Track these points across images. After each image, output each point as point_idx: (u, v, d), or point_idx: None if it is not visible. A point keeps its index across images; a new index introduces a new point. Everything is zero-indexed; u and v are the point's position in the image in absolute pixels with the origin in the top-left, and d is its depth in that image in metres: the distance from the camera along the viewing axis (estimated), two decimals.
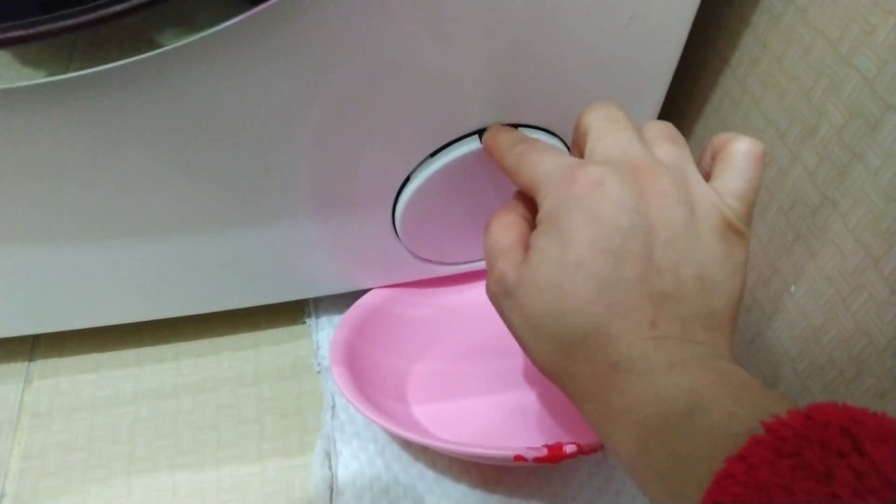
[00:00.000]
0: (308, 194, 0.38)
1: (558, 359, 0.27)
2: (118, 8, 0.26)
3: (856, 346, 0.32)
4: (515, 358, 0.45)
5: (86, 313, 0.45)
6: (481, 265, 0.47)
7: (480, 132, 0.38)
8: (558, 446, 0.33)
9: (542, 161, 0.29)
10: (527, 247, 0.29)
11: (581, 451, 0.33)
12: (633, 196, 0.26)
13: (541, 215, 0.28)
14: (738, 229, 0.27)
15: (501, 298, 0.29)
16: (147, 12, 0.27)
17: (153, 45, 0.29)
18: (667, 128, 0.30)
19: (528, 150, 0.30)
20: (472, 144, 0.37)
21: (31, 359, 0.48)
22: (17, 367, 0.47)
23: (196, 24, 0.29)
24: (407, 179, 0.39)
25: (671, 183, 0.26)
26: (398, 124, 0.36)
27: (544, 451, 0.33)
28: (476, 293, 0.49)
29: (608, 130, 0.28)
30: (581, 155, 0.30)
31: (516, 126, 0.38)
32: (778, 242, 0.37)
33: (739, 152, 0.28)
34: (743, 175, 0.28)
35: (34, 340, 0.49)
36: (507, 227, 0.30)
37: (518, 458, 0.33)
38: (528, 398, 0.43)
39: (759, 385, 0.23)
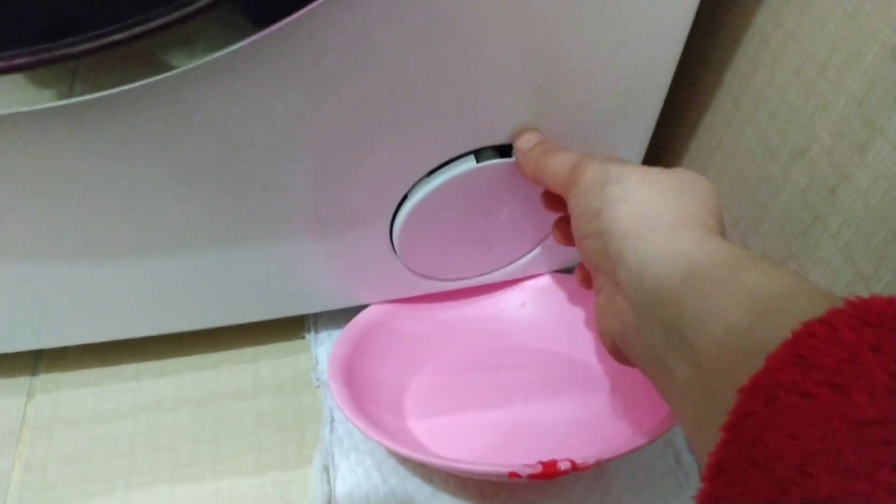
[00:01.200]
0: (307, 212, 0.39)
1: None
2: (117, 37, 0.26)
3: None
4: (513, 373, 0.46)
5: (88, 329, 0.45)
6: (478, 281, 0.47)
7: (477, 152, 0.38)
8: (552, 463, 0.33)
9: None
10: None
11: (575, 468, 0.33)
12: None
13: (595, 204, 0.31)
14: None
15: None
16: (147, 40, 0.28)
17: (155, 70, 0.29)
18: None
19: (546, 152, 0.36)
20: (469, 164, 0.38)
21: (33, 373, 0.48)
22: (20, 381, 0.48)
23: (196, 50, 0.29)
24: (405, 197, 0.40)
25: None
26: (396, 144, 0.36)
27: (539, 468, 0.33)
28: (474, 308, 0.49)
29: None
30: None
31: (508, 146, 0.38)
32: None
33: None
34: None
35: (37, 355, 0.49)
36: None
37: (512, 474, 0.33)
38: (524, 413, 0.43)
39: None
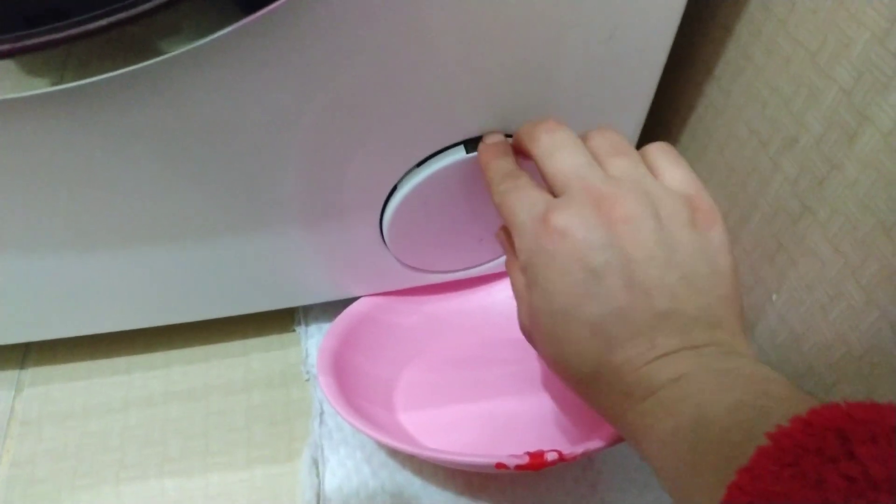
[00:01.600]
0: (296, 203, 0.39)
1: (582, 390, 0.29)
2: (103, 22, 0.26)
3: (834, 353, 0.33)
4: (503, 366, 0.46)
5: (77, 321, 0.45)
6: (469, 273, 0.47)
7: (466, 142, 0.38)
8: (539, 454, 0.33)
9: (519, 209, 0.29)
10: None
11: (562, 459, 0.33)
12: (599, 234, 0.27)
13: (521, 262, 0.29)
14: (704, 211, 0.28)
15: (528, 338, 0.33)
16: (134, 25, 0.28)
17: (142, 56, 0.29)
18: (611, 137, 0.31)
19: (510, 191, 0.31)
20: (458, 155, 0.37)
21: (22, 366, 0.48)
22: (9, 375, 0.47)
23: (184, 36, 0.29)
24: (394, 189, 0.40)
25: (633, 202, 0.27)
26: (385, 134, 0.36)
27: (526, 459, 0.33)
28: (464, 301, 0.49)
29: (560, 163, 0.29)
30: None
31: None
32: (760, 251, 0.37)
33: (653, 149, 0.30)
34: (675, 164, 0.29)
35: (26, 348, 0.49)
36: (516, 274, 0.32)
37: (500, 465, 0.33)
38: (514, 406, 0.43)
39: (761, 379, 0.24)
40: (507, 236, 0.35)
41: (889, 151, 0.28)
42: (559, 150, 0.30)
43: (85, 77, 0.29)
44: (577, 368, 0.27)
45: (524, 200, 0.29)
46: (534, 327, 0.29)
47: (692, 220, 0.27)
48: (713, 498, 0.21)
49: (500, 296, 0.49)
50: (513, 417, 0.43)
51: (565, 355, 0.28)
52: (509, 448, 0.35)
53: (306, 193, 0.38)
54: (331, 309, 0.48)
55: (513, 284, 0.32)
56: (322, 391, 0.39)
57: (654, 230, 0.27)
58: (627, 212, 0.27)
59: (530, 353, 0.46)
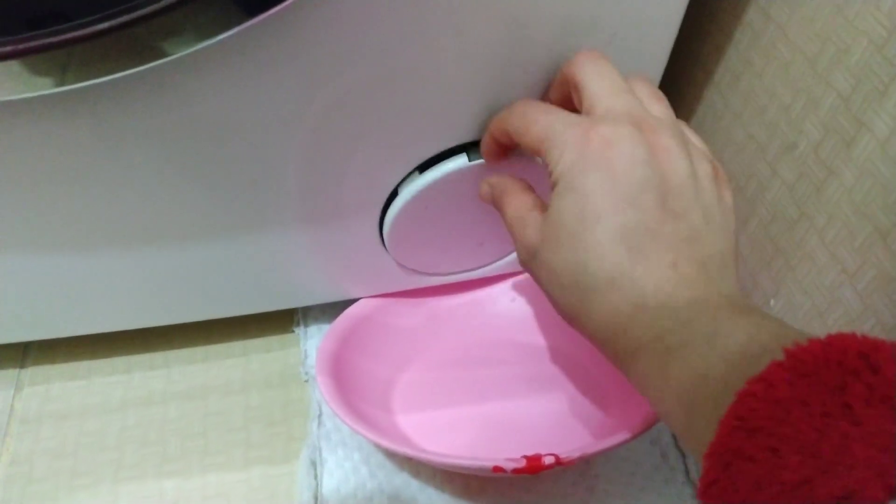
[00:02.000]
0: (296, 205, 0.39)
1: (583, 307, 0.28)
2: (105, 25, 0.26)
3: None
4: (501, 367, 0.46)
5: (77, 321, 0.45)
6: (468, 276, 0.47)
7: (468, 148, 0.38)
8: (537, 458, 0.33)
9: (552, 121, 0.30)
10: (543, 209, 0.31)
11: (559, 463, 0.33)
12: (643, 151, 0.28)
13: (556, 175, 0.29)
14: (722, 176, 0.30)
15: (530, 262, 0.31)
16: (136, 28, 0.28)
17: (145, 58, 0.29)
18: (651, 86, 0.32)
19: (535, 111, 0.32)
20: (459, 162, 0.38)
21: (21, 365, 0.48)
22: (8, 374, 0.48)
23: (186, 38, 0.29)
24: (394, 193, 0.40)
25: (672, 137, 0.28)
26: (386, 136, 0.36)
27: (523, 463, 0.33)
28: (464, 303, 0.49)
29: (607, 89, 0.30)
30: (566, 101, 0.32)
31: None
32: (758, 256, 0.37)
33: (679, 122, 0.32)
34: (696, 136, 0.31)
35: (25, 347, 0.49)
36: (521, 196, 0.33)
37: (497, 468, 0.33)
38: (512, 408, 0.43)
39: (776, 318, 0.25)
40: (497, 158, 0.36)
41: (886, 158, 0.28)
42: (605, 77, 0.30)
43: (87, 79, 0.29)
44: (594, 275, 0.27)
45: (562, 117, 0.30)
46: (550, 235, 0.29)
47: (714, 177, 0.29)
48: (718, 406, 0.21)
49: (500, 298, 0.49)
50: (511, 420, 0.43)
51: (584, 261, 0.27)
52: (507, 451, 0.35)
53: (307, 195, 0.39)
54: (330, 310, 0.48)
55: (513, 210, 0.33)
56: (320, 392, 0.39)
57: (687, 166, 0.28)
58: (667, 142, 0.28)
59: (530, 354, 0.46)
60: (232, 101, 0.32)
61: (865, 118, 0.29)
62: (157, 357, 0.48)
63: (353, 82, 0.33)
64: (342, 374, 0.41)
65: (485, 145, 0.36)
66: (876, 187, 0.29)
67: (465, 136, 0.38)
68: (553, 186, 0.30)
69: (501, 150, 0.36)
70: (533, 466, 0.33)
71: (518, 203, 0.33)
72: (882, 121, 0.28)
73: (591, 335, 0.29)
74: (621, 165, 0.27)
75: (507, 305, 0.49)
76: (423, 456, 0.35)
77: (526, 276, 0.49)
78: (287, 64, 0.31)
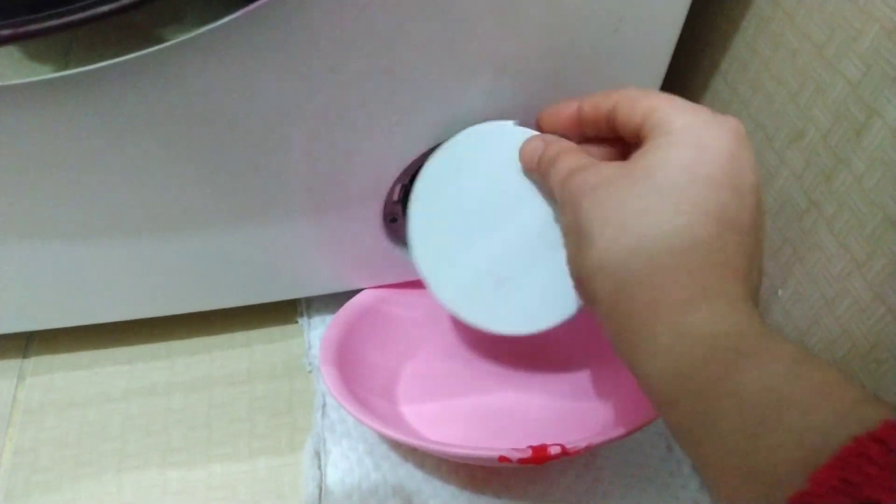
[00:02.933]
0: (299, 195, 0.39)
1: (630, 264, 0.26)
2: (105, 8, 0.26)
3: (840, 349, 0.32)
4: (506, 359, 0.46)
5: (80, 311, 0.45)
6: None
7: None
8: (542, 448, 0.33)
9: (668, 99, 0.28)
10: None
11: (565, 453, 0.33)
12: (754, 160, 0.27)
13: (668, 127, 0.27)
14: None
15: (586, 194, 0.28)
16: (137, 12, 0.28)
17: (145, 43, 0.29)
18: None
19: (645, 92, 0.30)
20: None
21: (24, 355, 0.48)
22: (11, 364, 0.48)
23: (186, 23, 0.29)
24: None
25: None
26: (390, 124, 0.36)
27: (528, 453, 0.33)
28: None
29: (681, 106, 0.28)
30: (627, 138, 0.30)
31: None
32: (766, 246, 0.37)
33: None
34: None
35: (28, 337, 0.49)
36: (581, 153, 0.31)
37: (502, 458, 0.33)
38: (517, 400, 0.43)
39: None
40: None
41: None
42: (672, 99, 0.29)
43: (88, 63, 0.29)
44: (677, 231, 0.25)
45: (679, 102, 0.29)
46: (630, 177, 0.27)
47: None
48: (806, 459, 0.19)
49: None
50: (516, 411, 0.42)
51: (673, 215, 0.25)
52: (512, 442, 0.35)
53: (310, 184, 0.38)
54: (333, 301, 0.48)
55: (574, 161, 0.30)
56: (324, 382, 0.38)
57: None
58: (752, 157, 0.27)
59: (535, 346, 0.46)
60: (234, 86, 0.32)
61: (877, 105, 0.29)
62: (160, 347, 0.48)
63: (356, 69, 0.33)
64: (346, 364, 0.41)
65: (555, 115, 0.34)
66: (887, 175, 0.29)
67: (470, 123, 0.37)
68: (651, 140, 0.27)
69: (575, 124, 0.33)
70: (539, 457, 0.33)
71: (580, 155, 0.31)
72: (893, 107, 0.28)
73: (602, 305, 0.27)
74: (747, 159, 0.27)
75: None
76: (427, 446, 0.35)
77: None
78: (288, 50, 0.31)
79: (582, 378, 0.44)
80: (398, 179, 0.40)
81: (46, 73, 0.28)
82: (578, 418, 0.42)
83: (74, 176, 0.35)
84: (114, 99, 0.31)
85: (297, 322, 0.49)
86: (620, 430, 0.35)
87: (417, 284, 0.48)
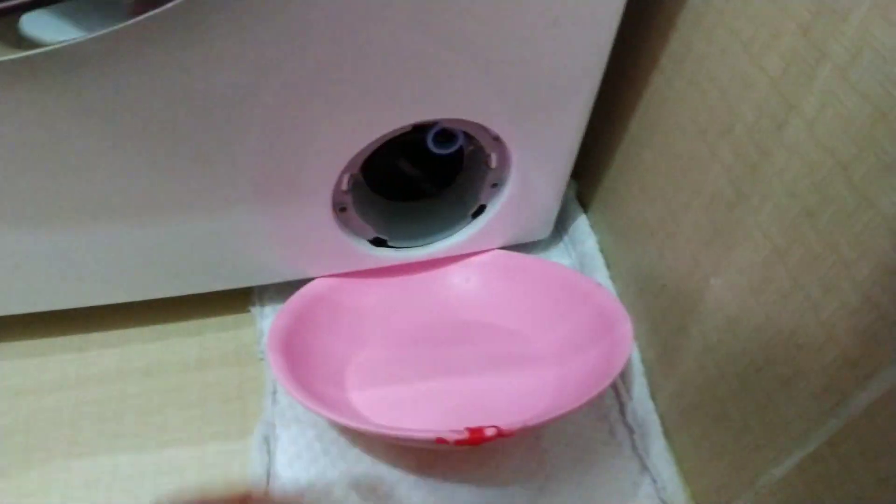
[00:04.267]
0: (247, 184, 0.39)
1: None
2: None
3: (765, 335, 0.34)
4: (455, 347, 0.47)
5: (31, 298, 0.45)
6: (424, 255, 0.48)
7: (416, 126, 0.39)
8: (479, 429, 0.34)
9: None
10: None
11: (501, 434, 0.34)
12: None
13: None
14: None
15: None
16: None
17: (83, 30, 0.29)
18: None
19: None
20: None
21: None
22: None
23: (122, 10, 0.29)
24: None
25: None
26: (336, 113, 0.37)
27: (465, 434, 0.34)
28: (419, 283, 0.50)
29: None
30: None
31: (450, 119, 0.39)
32: (699, 237, 0.38)
33: None
34: None
35: None
36: None
37: (439, 440, 0.34)
38: (465, 386, 0.44)
39: None
40: None
41: (812, 139, 0.29)
42: None
43: (28, 48, 0.29)
44: None
45: None
46: None
47: None
48: None
49: (455, 279, 0.50)
50: (465, 397, 0.44)
51: None
52: (454, 425, 0.36)
53: (257, 173, 0.39)
54: (286, 290, 0.48)
55: None
56: (271, 367, 0.39)
57: None
58: None
59: (483, 334, 0.47)
60: (178, 72, 0.33)
61: (794, 100, 0.30)
62: (113, 335, 0.49)
63: (301, 58, 0.33)
64: (294, 351, 0.42)
65: None
66: (804, 168, 0.30)
67: (414, 117, 0.38)
68: None
69: None
70: (475, 438, 0.34)
71: None
72: (808, 103, 0.29)
73: None
74: None
75: (462, 286, 0.50)
76: (369, 429, 0.36)
77: (480, 257, 0.50)
78: (228, 39, 0.32)
79: (530, 365, 0.45)
80: (346, 169, 0.41)
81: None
82: (525, 404, 0.43)
83: (18, 162, 0.35)
84: (55, 84, 0.32)
85: (249, 311, 0.50)
86: (557, 412, 0.36)
87: (369, 274, 0.48)
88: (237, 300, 0.50)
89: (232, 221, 0.41)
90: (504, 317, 0.48)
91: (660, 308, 0.44)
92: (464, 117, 0.39)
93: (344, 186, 0.42)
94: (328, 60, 0.34)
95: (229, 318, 0.50)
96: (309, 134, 0.37)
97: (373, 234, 0.47)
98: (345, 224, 0.45)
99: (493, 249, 0.50)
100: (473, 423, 0.36)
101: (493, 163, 0.45)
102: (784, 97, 0.31)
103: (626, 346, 0.40)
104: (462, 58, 0.36)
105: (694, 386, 0.40)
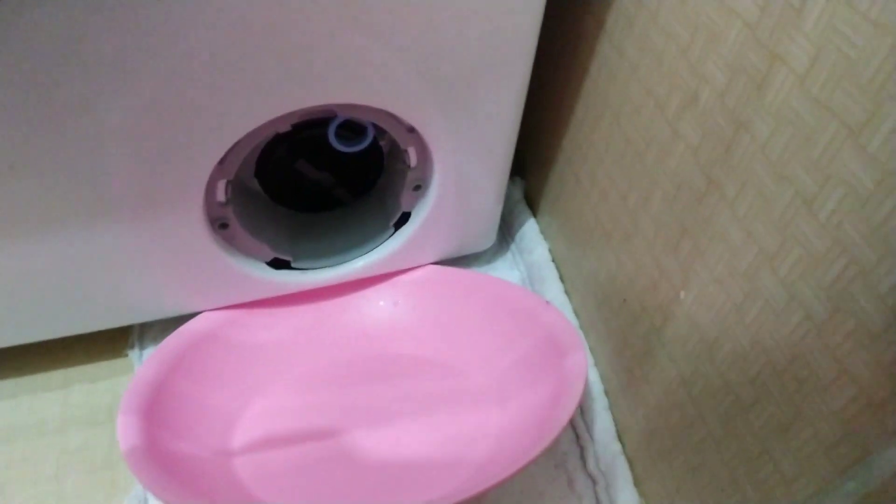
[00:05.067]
0: (106, 190, 0.31)
1: None
2: None
3: (753, 365, 0.26)
4: (378, 387, 0.38)
5: None
6: (342, 276, 0.39)
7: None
8: None
9: None
10: None
11: None
12: None
13: None
14: None
15: None
16: None
17: None
18: None
19: None
20: None
21: None
22: None
23: None
24: None
25: None
26: (186, 99, 0.28)
27: None
28: (336, 311, 0.41)
29: None
30: None
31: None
32: (664, 239, 0.30)
33: None
34: None
35: None
36: None
37: None
38: (387, 438, 0.35)
39: None
40: None
41: (806, 97, 0.21)
42: None
43: None
44: None
45: None
46: None
47: None
48: None
49: (380, 303, 0.42)
50: (383, 453, 0.35)
51: None
52: (363, 494, 0.28)
53: (118, 177, 0.30)
54: (173, 328, 0.39)
55: None
56: (118, 435, 0.30)
57: None
58: None
59: (414, 370, 0.39)
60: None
61: (780, 48, 0.22)
62: None
63: (132, 21, 0.25)
64: (162, 408, 0.33)
65: None
66: (797, 138, 0.22)
67: (295, 101, 0.30)
68: None
69: None
70: None
71: None
72: (799, 49, 0.21)
73: None
74: None
75: (389, 311, 0.42)
76: None
77: (411, 275, 0.41)
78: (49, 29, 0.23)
79: (470, 408, 0.36)
80: (219, 174, 0.32)
81: None
82: (454, 453, 0.34)
83: None
84: None
85: (126, 355, 0.41)
86: (496, 476, 0.27)
87: (272, 303, 0.40)
88: (112, 343, 0.41)
89: (97, 244, 0.33)
90: (437, 348, 0.40)
91: (621, 327, 0.36)
92: (360, 102, 0.31)
93: (220, 197, 0.34)
94: (175, 29, 0.25)
95: (102, 366, 0.41)
96: (161, 125, 0.29)
97: (270, 255, 0.38)
98: (229, 243, 0.36)
99: (424, 266, 0.42)
100: (383, 490, 0.27)
101: (412, 160, 0.36)
102: (764, 46, 0.23)
103: (579, 382, 0.31)
104: (352, 25, 0.27)
105: (666, 426, 0.32)
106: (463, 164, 0.37)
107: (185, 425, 0.33)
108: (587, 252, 0.39)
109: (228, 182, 0.34)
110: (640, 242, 0.32)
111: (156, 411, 0.32)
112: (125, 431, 0.30)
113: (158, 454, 0.30)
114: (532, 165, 0.46)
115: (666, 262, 0.30)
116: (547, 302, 0.38)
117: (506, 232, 0.46)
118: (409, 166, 0.37)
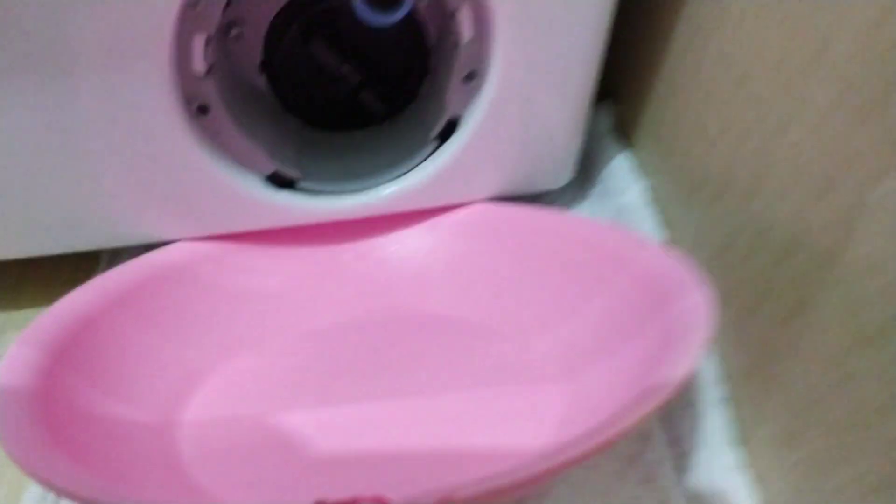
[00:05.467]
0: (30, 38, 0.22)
1: None
2: None
3: None
4: (385, 351, 0.28)
5: None
6: (366, 211, 0.29)
7: None
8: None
9: None
10: None
11: None
12: None
13: None
14: None
15: None
16: None
17: None
18: None
19: None
20: None
21: None
22: None
23: None
24: None
25: None
26: None
27: None
28: (352, 254, 0.31)
29: None
30: None
31: None
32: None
33: None
34: None
35: None
36: None
37: None
38: (383, 417, 0.25)
39: None
40: None
41: None
42: None
43: None
44: None
45: None
46: None
47: None
48: None
49: (409, 248, 0.31)
50: (378, 435, 0.24)
51: None
52: (344, 485, 0.17)
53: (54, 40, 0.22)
54: None
55: None
56: None
57: None
58: None
59: (453, 335, 0.28)
60: None
61: None
62: None
63: None
64: (85, 351, 0.23)
65: None
66: None
67: None
68: None
69: None
70: None
71: None
72: None
73: None
74: None
75: (420, 259, 0.31)
76: None
77: (457, 214, 0.31)
78: None
79: (506, 385, 0.25)
80: (192, 21, 0.23)
81: None
82: (476, 446, 0.23)
83: None
84: None
85: None
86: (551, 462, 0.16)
87: (270, 238, 0.30)
88: (73, 273, 0.31)
89: (47, 114, 0.24)
90: (483, 307, 0.29)
91: (756, 283, 0.24)
92: None
93: (197, 63, 0.24)
94: None
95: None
96: None
97: (269, 167, 0.28)
98: (210, 139, 0.27)
99: (474, 203, 0.31)
100: (370, 480, 0.17)
101: (465, 30, 0.26)
102: None
103: (696, 332, 0.20)
104: None
105: (825, 425, 0.20)
106: (535, 50, 0.26)
107: (119, 379, 0.23)
108: (705, 189, 0.28)
109: (208, 40, 0.24)
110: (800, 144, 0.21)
111: (74, 353, 0.22)
112: (11, 366, 0.20)
113: (65, 409, 0.20)
114: (628, 86, 0.35)
115: (856, 142, 0.19)
116: (644, 238, 0.27)
117: (588, 166, 0.35)
118: (459, 42, 0.26)
